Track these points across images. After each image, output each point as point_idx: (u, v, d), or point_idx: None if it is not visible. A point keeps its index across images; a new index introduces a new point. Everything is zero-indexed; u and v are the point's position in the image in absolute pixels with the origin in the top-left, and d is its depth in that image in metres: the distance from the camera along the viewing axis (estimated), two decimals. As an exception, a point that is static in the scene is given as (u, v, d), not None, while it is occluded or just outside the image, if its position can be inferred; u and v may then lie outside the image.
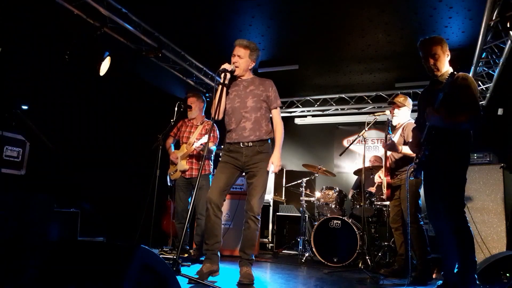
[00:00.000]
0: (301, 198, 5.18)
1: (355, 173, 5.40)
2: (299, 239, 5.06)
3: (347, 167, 7.16)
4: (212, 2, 4.31)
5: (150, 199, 3.83)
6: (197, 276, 2.79)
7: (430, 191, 2.91)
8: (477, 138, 2.97)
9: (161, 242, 5.15)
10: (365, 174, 4.53)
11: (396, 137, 3.86)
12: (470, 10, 4.20)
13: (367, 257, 4.26)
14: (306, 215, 5.37)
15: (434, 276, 3.77)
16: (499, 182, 4.62)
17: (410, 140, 3.26)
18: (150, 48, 4.97)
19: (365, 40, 5.01)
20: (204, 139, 4.05)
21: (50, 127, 4.22)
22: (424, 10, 4.26)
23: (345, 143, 7.29)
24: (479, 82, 5.48)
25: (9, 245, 2.85)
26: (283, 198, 6.99)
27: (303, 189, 5.17)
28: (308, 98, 7.20)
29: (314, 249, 4.66)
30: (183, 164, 4.25)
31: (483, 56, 4.77)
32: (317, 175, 5.42)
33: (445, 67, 2.86)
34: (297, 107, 7.40)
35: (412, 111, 4.05)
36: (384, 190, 3.90)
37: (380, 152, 6.75)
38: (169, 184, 4.47)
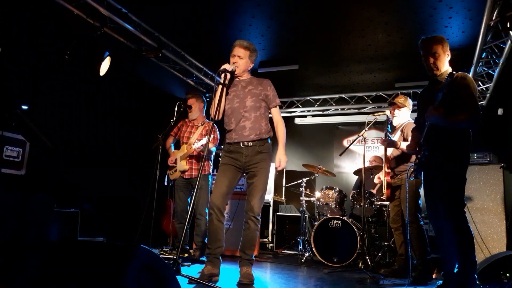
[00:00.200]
0: (301, 198, 5.18)
1: (355, 173, 5.40)
2: (299, 239, 5.06)
3: (347, 167, 7.16)
4: (212, 2, 4.31)
5: (150, 199, 3.83)
6: (197, 276, 2.79)
7: (430, 191, 2.91)
8: (477, 138, 2.97)
9: (161, 242, 5.15)
10: (365, 174, 4.53)
11: (396, 137, 3.86)
12: (470, 10, 4.20)
13: (367, 257, 4.26)
14: (306, 215, 5.37)
15: (434, 276, 3.77)
16: (499, 182, 4.62)
17: (409, 140, 3.26)
18: (150, 48, 4.97)
19: (365, 40, 5.01)
20: (205, 140, 4.05)
21: (50, 127, 4.22)
22: (424, 10, 4.26)
23: (345, 143, 7.29)
24: (479, 82, 5.48)
25: (9, 245, 2.85)
26: (283, 198, 6.99)
27: (303, 189, 5.17)
28: (308, 98, 7.20)
29: (314, 249, 4.66)
30: (183, 165, 4.25)
31: (483, 56, 4.77)
32: (317, 175, 5.42)
33: (445, 67, 2.86)
34: (297, 107, 7.40)
35: (412, 111, 4.06)
36: (384, 190, 3.90)
37: (380, 152, 6.75)
38: (165, 183, 4.47)
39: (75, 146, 4.70)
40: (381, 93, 6.70)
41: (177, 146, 4.47)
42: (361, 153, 6.58)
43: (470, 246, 2.68)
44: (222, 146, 3.25)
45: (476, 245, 3.56)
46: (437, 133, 2.73)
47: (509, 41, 4.25)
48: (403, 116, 3.96)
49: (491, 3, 3.72)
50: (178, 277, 2.00)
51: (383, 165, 3.97)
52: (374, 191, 4.94)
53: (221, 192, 2.99)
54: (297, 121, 7.63)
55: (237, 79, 3.20)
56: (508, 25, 3.75)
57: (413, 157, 3.50)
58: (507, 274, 3.06)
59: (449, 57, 2.88)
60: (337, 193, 5.05)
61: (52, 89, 4.41)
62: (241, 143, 3.05)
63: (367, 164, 4.93)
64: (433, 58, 2.83)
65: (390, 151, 3.91)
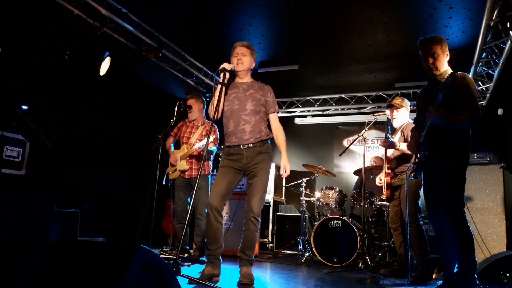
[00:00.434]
0: (301, 198, 5.18)
1: (355, 173, 5.40)
2: (299, 239, 5.06)
3: (347, 167, 7.16)
4: (212, 2, 4.31)
5: (150, 199, 3.83)
6: (197, 276, 2.79)
7: (430, 191, 2.91)
8: (477, 138, 2.97)
9: (161, 242, 5.15)
10: (365, 174, 4.54)
11: (396, 138, 3.87)
12: (470, 10, 4.20)
13: (367, 257, 4.26)
14: (306, 215, 5.37)
15: (434, 276, 3.77)
16: (499, 182, 4.62)
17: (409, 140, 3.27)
18: (150, 48, 4.97)
19: (365, 40, 5.01)
20: (205, 140, 4.05)
21: (50, 127, 4.22)
22: (424, 10, 4.26)
23: (345, 143, 7.29)
24: (479, 82, 5.49)
25: (9, 245, 2.85)
26: (283, 198, 6.99)
27: (303, 189, 5.17)
28: (308, 98, 7.20)
29: (314, 249, 4.66)
30: (182, 164, 4.25)
31: (483, 56, 4.77)
32: (317, 175, 5.42)
33: (444, 67, 2.86)
34: (297, 107, 7.40)
35: (411, 111, 4.06)
36: (384, 191, 3.91)
37: (380, 152, 6.76)
38: (164, 183, 4.47)
39: (75, 146, 4.70)
40: (381, 93, 6.69)
41: (177, 147, 4.47)
42: (361, 153, 6.58)
43: (470, 246, 2.68)
44: (222, 146, 3.25)
45: (476, 245, 3.57)
46: (437, 133, 2.73)
47: (509, 41, 4.25)
48: (402, 117, 3.97)
49: (491, 3, 3.72)
50: (178, 277, 2.00)
51: (384, 166, 3.97)
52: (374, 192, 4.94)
53: (219, 193, 2.99)
54: (297, 121, 7.63)
55: (238, 81, 3.20)
56: (508, 25, 3.75)
57: (414, 157, 3.51)
58: (507, 274, 3.06)
59: (448, 57, 2.88)
60: (337, 193, 5.05)
61: (52, 89, 4.41)
62: (241, 145, 3.06)
63: (367, 164, 4.94)
64: (432, 58, 2.83)
65: (391, 152, 3.92)
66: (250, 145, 3.04)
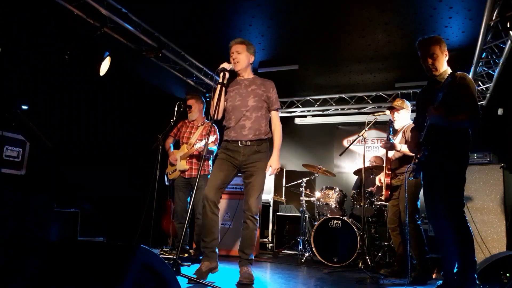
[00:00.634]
0: (301, 198, 5.18)
1: (355, 173, 5.40)
2: (299, 239, 5.06)
3: (347, 167, 7.16)
4: (212, 2, 4.31)
5: (150, 199, 3.83)
6: (196, 276, 2.79)
7: (430, 191, 2.91)
8: (477, 138, 2.97)
9: (161, 242, 5.15)
10: (365, 174, 4.54)
11: (397, 139, 3.88)
12: (470, 10, 4.20)
13: (367, 257, 4.26)
14: (306, 215, 5.37)
15: (434, 276, 3.77)
16: (499, 182, 4.62)
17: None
18: (150, 48, 4.96)
19: (365, 40, 5.01)
20: (205, 141, 4.05)
21: (50, 127, 4.22)
22: (424, 10, 4.26)
23: (345, 143, 7.29)
24: (479, 82, 5.48)
25: (9, 245, 2.85)
26: (283, 198, 6.99)
27: (303, 189, 5.17)
28: (308, 98, 7.20)
29: (314, 249, 4.66)
30: (182, 164, 4.25)
31: (483, 56, 4.77)
32: (317, 175, 5.42)
33: (444, 67, 2.87)
34: (297, 107, 7.39)
35: (412, 111, 4.06)
36: (383, 191, 3.91)
37: (380, 152, 6.76)
38: (166, 183, 4.47)
39: (75, 146, 4.70)
40: (381, 93, 6.70)
41: (176, 147, 4.47)
42: (361, 153, 6.59)
43: (470, 246, 2.68)
44: (222, 142, 3.25)
45: (476, 245, 3.57)
46: (437, 133, 2.73)
47: (509, 41, 4.25)
48: (403, 118, 3.98)
49: (491, 3, 3.72)
50: (178, 277, 2.00)
51: (384, 166, 3.98)
52: (374, 189, 4.94)
53: (215, 185, 2.99)
54: (297, 121, 7.63)
55: (240, 77, 3.20)
56: (508, 25, 3.75)
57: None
58: (507, 274, 3.06)
59: (447, 57, 2.88)
60: (337, 193, 5.05)
61: (52, 89, 4.41)
62: (239, 141, 3.05)
63: (367, 164, 4.94)
64: (431, 59, 2.83)
65: (392, 153, 3.93)
66: (248, 143, 3.04)
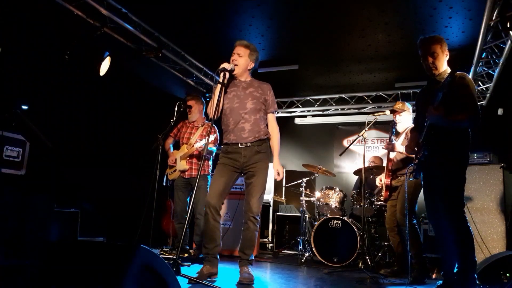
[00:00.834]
0: (301, 198, 5.18)
1: (355, 173, 5.40)
2: (299, 239, 5.06)
3: (347, 167, 7.16)
4: (212, 2, 4.31)
5: (150, 199, 3.82)
6: (196, 276, 2.79)
7: (430, 191, 2.91)
8: (477, 138, 2.97)
9: (161, 242, 5.15)
10: (365, 174, 4.54)
11: (399, 141, 3.88)
12: (470, 10, 4.20)
13: (367, 257, 4.26)
14: (306, 215, 5.37)
15: (434, 276, 3.77)
16: (499, 182, 4.62)
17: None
18: (150, 48, 4.97)
19: (365, 40, 5.01)
20: (205, 140, 4.05)
21: (50, 127, 4.22)
22: (424, 10, 4.26)
23: (345, 143, 7.29)
24: (479, 82, 5.49)
25: (9, 245, 2.85)
26: (283, 198, 6.99)
27: (303, 189, 5.17)
28: (308, 98, 7.20)
29: (314, 249, 4.66)
30: (182, 164, 4.25)
31: (483, 56, 4.77)
32: (317, 175, 5.42)
33: (444, 67, 2.87)
34: (297, 107, 7.40)
35: (413, 111, 4.07)
36: (383, 192, 3.92)
37: (380, 152, 6.76)
38: (164, 183, 4.47)
39: (75, 146, 4.69)
40: (381, 93, 6.70)
41: (176, 148, 4.47)
42: (361, 153, 6.59)
43: (470, 246, 2.68)
44: (222, 146, 3.25)
45: (476, 245, 3.57)
46: (437, 133, 2.73)
47: (509, 41, 4.25)
48: (405, 120, 3.99)
49: (491, 3, 3.72)
50: (178, 277, 2.00)
51: (385, 167, 3.99)
52: (379, 186, 4.94)
53: (217, 191, 2.99)
54: (297, 121, 7.63)
55: (237, 79, 3.19)
56: (508, 25, 3.75)
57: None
58: (507, 274, 3.06)
59: (447, 57, 2.88)
60: (337, 193, 5.05)
61: (52, 89, 4.40)
62: (239, 144, 3.05)
63: (367, 164, 4.94)
64: (432, 58, 2.83)
65: (394, 153, 3.93)
66: (249, 144, 3.04)
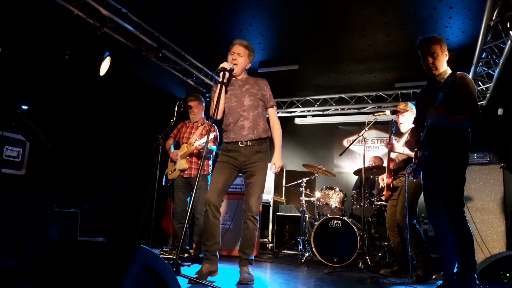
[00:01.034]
0: (301, 198, 5.18)
1: (355, 173, 5.40)
2: (299, 239, 5.06)
3: (347, 167, 7.16)
4: (212, 2, 4.31)
5: (150, 199, 3.82)
6: (196, 276, 2.79)
7: (430, 191, 2.91)
8: (477, 138, 2.97)
9: (161, 242, 5.15)
10: (365, 174, 4.54)
11: (402, 141, 3.88)
12: (470, 10, 4.20)
13: (367, 257, 4.26)
14: (306, 215, 5.37)
15: (434, 276, 3.77)
16: (499, 182, 4.63)
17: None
18: (150, 48, 4.97)
19: (365, 40, 5.01)
20: (205, 138, 4.05)
21: (50, 127, 4.22)
22: (424, 10, 4.27)
23: (345, 143, 7.29)
24: (479, 82, 5.49)
25: (9, 245, 2.85)
26: (283, 198, 6.99)
27: (303, 189, 5.17)
28: (308, 98, 7.20)
29: (314, 249, 4.66)
30: (182, 163, 4.25)
31: (483, 56, 4.77)
32: (317, 175, 5.42)
33: (443, 67, 2.87)
34: (297, 107, 7.40)
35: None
36: (384, 191, 3.92)
37: (380, 152, 6.77)
38: (164, 183, 4.47)
39: (75, 146, 4.69)
40: (381, 93, 6.70)
41: (177, 148, 4.47)
42: (361, 153, 6.59)
43: (470, 246, 2.68)
44: (221, 144, 3.25)
45: (476, 245, 3.57)
46: (437, 133, 2.73)
47: (509, 41, 4.25)
48: (409, 121, 3.97)
49: (491, 3, 3.72)
50: (178, 277, 2.00)
51: (386, 166, 3.99)
52: (374, 191, 4.94)
53: (217, 189, 2.99)
54: (297, 121, 7.63)
55: (234, 78, 3.19)
56: (508, 25, 3.75)
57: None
58: (507, 274, 3.06)
59: (447, 57, 2.88)
60: (337, 193, 5.05)
61: (52, 89, 4.40)
62: (239, 142, 3.05)
63: (367, 165, 4.94)
64: (431, 58, 2.83)
65: (396, 154, 3.93)
66: (249, 143, 3.04)
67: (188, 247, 4.46)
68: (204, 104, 4.53)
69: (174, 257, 2.80)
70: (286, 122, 7.51)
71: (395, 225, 3.88)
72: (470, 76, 5.06)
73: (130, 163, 5.38)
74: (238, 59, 3.10)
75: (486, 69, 5.15)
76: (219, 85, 3.00)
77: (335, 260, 4.50)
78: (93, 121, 5.03)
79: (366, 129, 4.36)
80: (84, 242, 3.29)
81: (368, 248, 4.49)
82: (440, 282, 2.84)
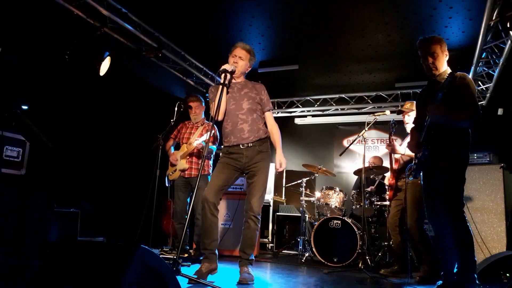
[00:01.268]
0: (301, 198, 5.18)
1: (355, 173, 5.40)
2: (299, 239, 5.06)
3: (347, 167, 7.16)
4: (212, 2, 4.31)
5: (150, 199, 3.82)
6: (196, 276, 2.79)
7: (430, 191, 2.91)
8: (477, 138, 2.97)
9: (161, 242, 5.15)
10: (365, 174, 4.54)
11: (405, 142, 3.87)
12: (470, 10, 4.21)
13: (367, 257, 4.26)
14: (306, 215, 5.37)
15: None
16: (499, 182, 4.63)
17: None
18: (150, 48, 4.97)
19: (365, 40, 5.01)
20: (205, 136, 4.06)
21: (50, 127, 4.22)
22: (424, 10, 4.27)
23: (345, 143, 7.30)
24: (479, 82, 5.49)
25: (9, 245, 2.85)
26: (283, 198, 6.99)
27: (303, 189, 5.17)
28: (308, 98, 7.20)
29: (314, 249, 4.66)
30: (182, 163, 4.25)
31: (483, 56, 4.77)
32: (317, 175, 5.42)
33: (444, 67, 2.87)
34: (297, 107, 7.39)
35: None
36: (388, 191, 3.93)
37: (380, 152, 6.77)
38: (167, 184, 4.48)
39: (75, 146, 4.69)
40: (381, 93, 6.70)
41: (177, 149, 4.47)
42: (361, 153, 6.59)
43: (469, 246, 2.68)
44: (222, 147, 3.25)
45: (476, 245, 3.57)
46: (437, 133, 2.73)
47: (509, 41, 4.25)
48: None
49: (491, 3, 3.72)
50: (178, 277, 2.00)
51: (388, 167, 3.99)
52: (373, 188, 4.92)
53: (215, 187, 3.00)
54: (297, 121, 7.63)
55: (232, 81, 3.20)
56: (508, 25, 3.75)
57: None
58: (507, 274, 3.06)
59: (447, 57, 2.88)
60: (337, 193, 5.05)
61: (52, 89, 4.40)
62: (240, 145, 3.06)
63: (367, 165, 4.94)
64: (431, 58, 2.83)
65: (399, 155, 3.93)
66: (250, 144, 3.05)
67: (188, 247, 4.47)
68: (204, 105, 4.53)
69: (174, 257, 2.80)
70: (286, 122, 7.51)
71: (396, 224, 3.88)
72: (470, 76, 5.06)
73: (130, 163, 5.38)
74: (239, 62, 3.11)
75: (486, 69, 5.15)
76: (219, 86, 3.01)
77: (335, 260, 4.50)
78: (93, 121, 5.03)
79: (366, 129, 4.37)
80: (84, 242, 3.29)
81: (368, 248, 4.49)
82: (440, 282, 2.84)
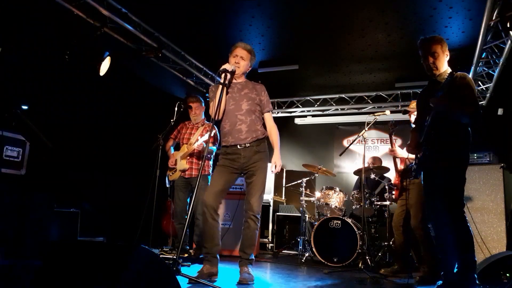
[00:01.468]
0: (301, 198, 5.18)
1: (355, 173, 5.40)
2: (299, 239, 5.06)
3: (347, 167, 7.16)
4: (212, 2, 4.31)
5: (150, 199, 3.82)
6: (196, 276, 2.79)
7: (430, 191, 2.91)
8: (477, 138, 2.97)
9: (161, 242, 5.15)
10: (365, 174, 4.54)
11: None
12: (470, 10, 4.20)
13: (367, 257, 4.26)
14: (306, 215, 5.37)
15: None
16: (499, 182, 4.62)
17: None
18: (150, 48, 4.97)
19: (365, 40, 5.01)
20: (206, 136, 4.06)
21: (50, 127, 4.22)
22: (424, 10, 4.27)
23: (345, 143, 7.29)
24: (479, 82, 5.49)
25: (10, 245, 2.86)
26: (283, 198, 6.99)
27: (303, 189, 5.16)
28: (308, 98, 7.20)
29: (314, 249, 4.66)
30: (183, 164, 4.25)
31: (483, 56, 4.77)
32: (317, 175, 5.42)
33: (444, 67, 2.87)
34: (297, 107, 7.39)
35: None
36: (394, 191, 3.93)
37: (380, 152, 6.77)
38: (167, 185, 4.48)
39: (75, 146, 4.69)
40: (381, 93, 6.70)
41: (177, 149, 4.47)
42: (361, 153, 6.58)
43: (470, 246, 2.68)
44: (221, 148, 3.25)
45: (476, 245, 3.56)
46: (437, 133, 2.73)
47: (509, 41, 4.25)
48: None
49: (491, 3, 3.72)
50: (178, 277, 2.00)
51: (394, 168, 4.00)
52: (374, 192, 4.94)
53: (215, 191, 3.00)
54: (297, 121, 7.63)
55: (233, 81, 3.20)
56: (508, 25, 3.75)
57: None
58: (507, 274, 3.06)
59: (448, 57, 2.88)
60: (337, 193, 5.05)
61: (52, 89, 4.40)
62: (238, 145, 3.06)
63: (366, 165, 4.94)
64: (432, 57, 2.83)
65: (406, 155, 3.93)
66: (247, 145, 3.05)
67: (188, 247, 4.46)
68: (204, 105, 4.53)
69: (174, 257, 2.80)
70: (286, 122, 7.51)
71: (400, 224, 3.87)
72: (470, 76, 5.06)
73: (130, 163, 5.37)
74: (241, 62, 3.11)
75: (486, 69, 5.15)
76: (219, 86, 3.01)
77: (335, 260, 4.50)
78: (93, 121, 5.02)
79: (366, 129, 4.37)
80: (84, 242, 3.30)
81: (368, 248, 4.49)
82: (440, 282, 2.84)
